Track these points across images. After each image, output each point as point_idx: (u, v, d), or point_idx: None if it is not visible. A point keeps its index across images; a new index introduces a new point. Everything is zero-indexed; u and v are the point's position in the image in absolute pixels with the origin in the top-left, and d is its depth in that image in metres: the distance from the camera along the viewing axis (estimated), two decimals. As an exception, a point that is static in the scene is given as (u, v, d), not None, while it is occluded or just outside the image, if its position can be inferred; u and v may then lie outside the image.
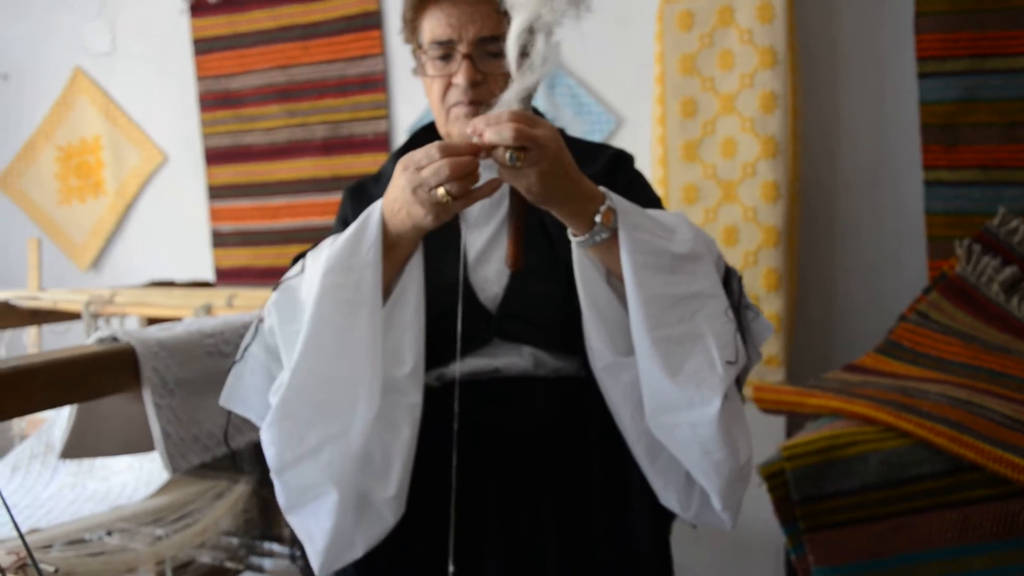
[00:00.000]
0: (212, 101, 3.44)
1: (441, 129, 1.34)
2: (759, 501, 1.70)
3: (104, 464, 2.24)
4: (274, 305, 1.18)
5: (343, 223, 1.37)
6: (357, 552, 1.17)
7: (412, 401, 1.17)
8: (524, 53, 1.07)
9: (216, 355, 1.73)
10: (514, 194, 1.10)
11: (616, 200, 1.10)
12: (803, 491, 1.63)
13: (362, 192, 1.39)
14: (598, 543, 1.24)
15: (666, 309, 1.08)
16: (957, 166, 2.34)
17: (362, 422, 1.11)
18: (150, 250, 3.64)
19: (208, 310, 2.22)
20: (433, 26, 1.27)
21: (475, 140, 1.03)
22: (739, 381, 1.16)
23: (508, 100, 1.07)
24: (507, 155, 1.01)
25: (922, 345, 2.08)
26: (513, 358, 1.25)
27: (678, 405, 1.08)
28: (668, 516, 1.31)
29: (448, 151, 1.03)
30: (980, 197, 2.30)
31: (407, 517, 1.21)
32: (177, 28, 3.46)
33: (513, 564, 1.23)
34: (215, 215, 3.48)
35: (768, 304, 2.40)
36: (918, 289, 2.31)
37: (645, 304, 1.07)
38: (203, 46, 3.43)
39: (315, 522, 1.15)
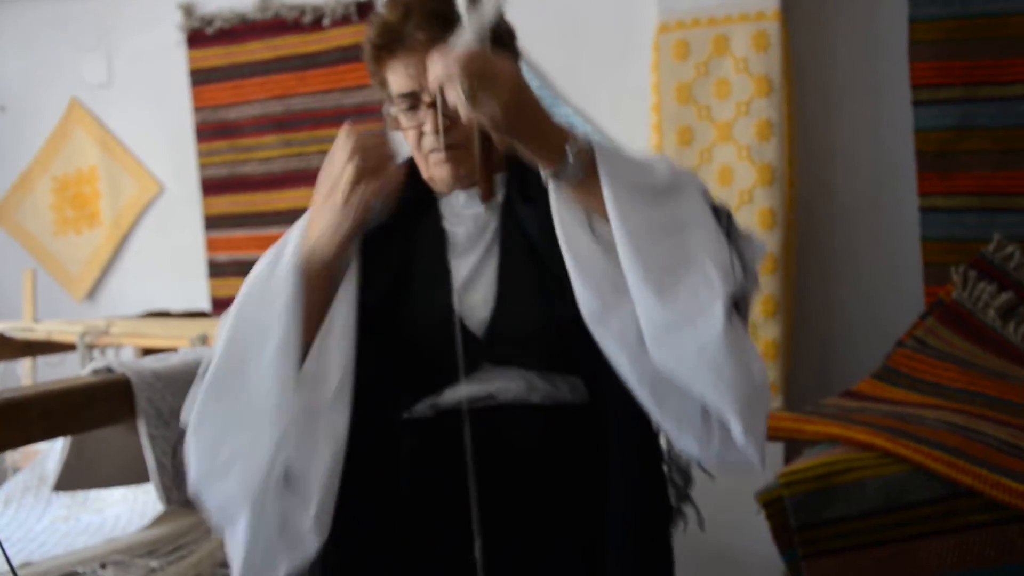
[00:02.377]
0: (209, 131, 3.45)
1: (424, 174, 1.35)
2: (758, 527, 1.69)
3: (98, 496, 2.23)
4: (223, 330, 1.20)
5: None
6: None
7: (335, 424, 1.16)
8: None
9: (211, 385, 1.72)
10: (481, 130, 1.12)
11: (585, 135, 1.11)
12: (801, 518, 1.62)
13: None
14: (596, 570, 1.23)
15: (655, 237, 1.08)
16: (952, 193, 2.35)
17: (269, 440, 1.12)
18: (146, 280, 3.63)
19: (204, 340, 2.22)
20: (396, 79, 1.28)
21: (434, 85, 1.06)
22: (741, 311, 1.13)
23: (462, 42, 1.07)
24: (462, 89, 1.03)
25: (919, 371, 2.08)
26: (506, 382, 1.25)
27: (680, 324, 1.05)
28: (668, 550, 1.31)
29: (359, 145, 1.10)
30: (975, 223, 2.31)
31: (410, 547, 1.21)
32: (174, 59, 3.48)
33: None
34: (211, 245, 3.48)
35: (765, 331, 2.40)
36: (915, 315, 2.31)
37: (633, 234, 1.07)
38: (200, 77, 3.44)
39: (233, 543, 1.16)
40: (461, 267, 1.30)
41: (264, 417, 1.13)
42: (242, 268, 3.39)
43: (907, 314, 2.41)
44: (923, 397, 1.94)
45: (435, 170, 1.30)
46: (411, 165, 1.42)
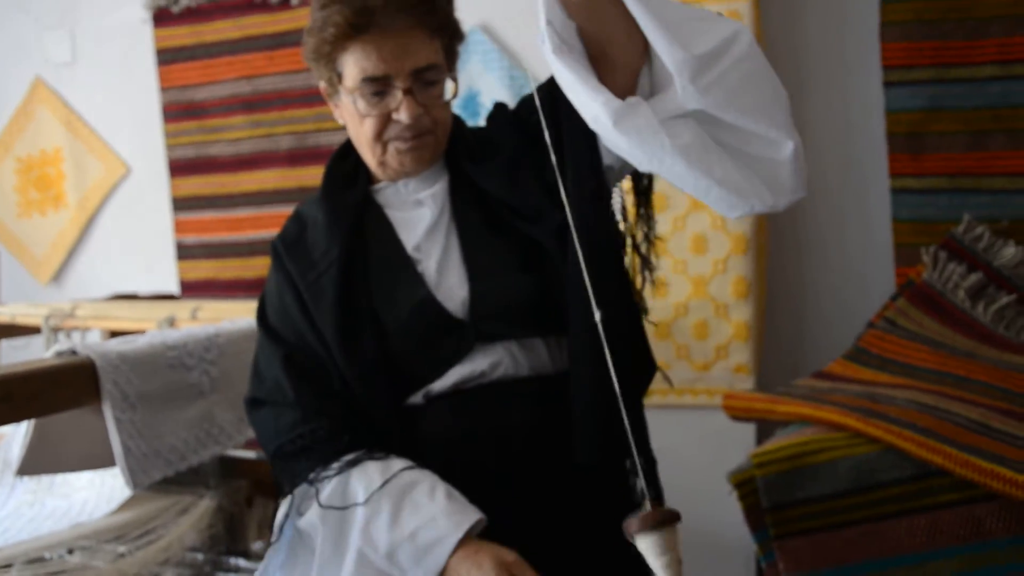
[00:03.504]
0: (176, 112, 3.39)
1: (372, 162, 1.32)
2: (730, 508, 1.70)
3: (64, 481, 2.20)
4: (318, 521, 1.21)
5: (289, 285, 1.32)
6: None
7: None
8: None
9: (179, 368, 1.70)
10: None
11: None
12: (773, 498, 1.62)
13: (290, 243, 1.36)
14: (598, 540, 1.21)
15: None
16: (923, 174, 2.36)
17: None
18: (113, 263, 3.58)
19: (172, 323, 2.19)
20: (361, 61, 1.23)
21: None
22: None
23: None
24: None
25: (890, 351, 2.09)
26: (493, 358, 1.24)
27: (716, 51, 0.98)
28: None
29: None
30: (946, 204, 2.32)
31: None
32: (140, 38, 3.41)
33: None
34: (179, 227, 3.43)
35: (737, 312, 2.41)
36: (886, 296, 2.32)
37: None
38: (167, 56, 3.38)
39: None
40: (431, 252, 1.29)
41: None
42: (211, 250, 3.36)
43: (878, 295, 2.43)
44: (894, 377, 1.95)
45: (395, 158, 1.28)
46: (344, 158, 1.39)
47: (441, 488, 1.17)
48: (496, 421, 1.22)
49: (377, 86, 1.24)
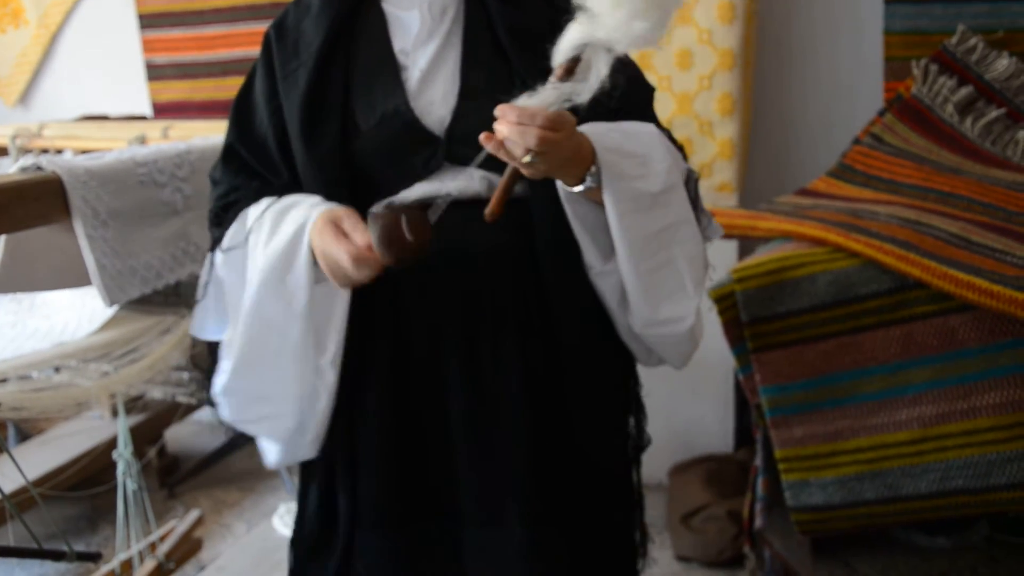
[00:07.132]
0: (135, -82, 3.20)
1: None
2: (711, 326, 1.71)
3: (44, 302, 2.20)
4: (223, 268, 1.24)
5: (267, 68, 1.29)
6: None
7: (329, 380, 1.22)
8: (571, 67, 1.02)
9: (150, 185, 1.66)
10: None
11: (600, 151, 1.09)
12: (752, 312, 1.63)
13: (284, 30, 1.29)
14: (565, 363, 1.23)
15: (649, 244, 1.14)
16: (919, -19, 2.27)
17: (295, 405, 1.23)
18: (82, 85, 3.46)
19: (142, 141, 2.13)
20: None
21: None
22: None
23: (545, 101, 1.01)
24: (527, 157, 1.00)
25: (874, 168, 2.07)
26: (465, 181, 1.19)
27: (661, 323, 1.20)
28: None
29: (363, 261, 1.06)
30: (941, 15, 2.24)
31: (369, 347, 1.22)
32: None
33: (477, 385, 1.20)
34: (148, 46, 3.30)
35: (722, 129, 2.36)
36: (874, 112, 2.28)
37: (631, 244, 1.13)
38: None
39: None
40: (417, 59, 1.22)
41: (289, 391, 1.21)
42: (182, 70, 3.24)
43: (866, 111, 2.38)
44: (877, 194, 1.94)
45: None
46: None
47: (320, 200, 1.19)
48: (457, 240, 1.18)
49: None
